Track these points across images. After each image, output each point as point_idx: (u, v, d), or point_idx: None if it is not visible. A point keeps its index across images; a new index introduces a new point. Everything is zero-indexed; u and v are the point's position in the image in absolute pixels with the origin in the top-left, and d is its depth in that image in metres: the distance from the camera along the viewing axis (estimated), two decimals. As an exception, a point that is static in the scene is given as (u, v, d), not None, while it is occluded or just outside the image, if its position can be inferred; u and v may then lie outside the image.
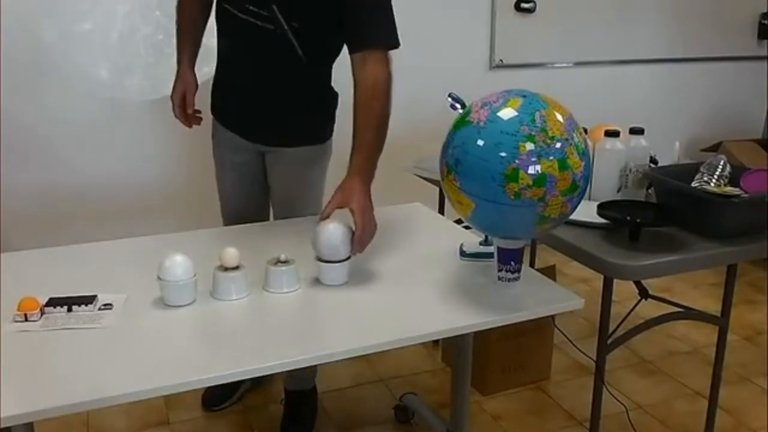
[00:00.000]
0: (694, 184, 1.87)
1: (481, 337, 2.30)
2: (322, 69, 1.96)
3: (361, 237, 1.54)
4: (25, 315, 1.35)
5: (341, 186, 1.62)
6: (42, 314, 1.37)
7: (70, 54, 2.74)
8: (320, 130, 2.05)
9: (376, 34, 1.79)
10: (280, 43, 1.83)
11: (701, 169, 1.93)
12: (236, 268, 1.46)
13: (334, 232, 1.50)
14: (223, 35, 2.00)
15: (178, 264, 1.41)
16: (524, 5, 3.40)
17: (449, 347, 2.44)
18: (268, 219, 2.17)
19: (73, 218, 2.87)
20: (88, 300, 1.42)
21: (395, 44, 1.83)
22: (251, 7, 1.81)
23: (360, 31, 1.78)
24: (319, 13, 1.80)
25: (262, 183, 2.12)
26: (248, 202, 2.15)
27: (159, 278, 1.41)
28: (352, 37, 1.79)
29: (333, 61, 1.96)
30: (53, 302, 1.40)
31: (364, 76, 1.75)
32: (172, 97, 2.08)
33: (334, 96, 2.03)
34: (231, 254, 1.46)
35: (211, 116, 2.18)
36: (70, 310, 1.39)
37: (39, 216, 2.83)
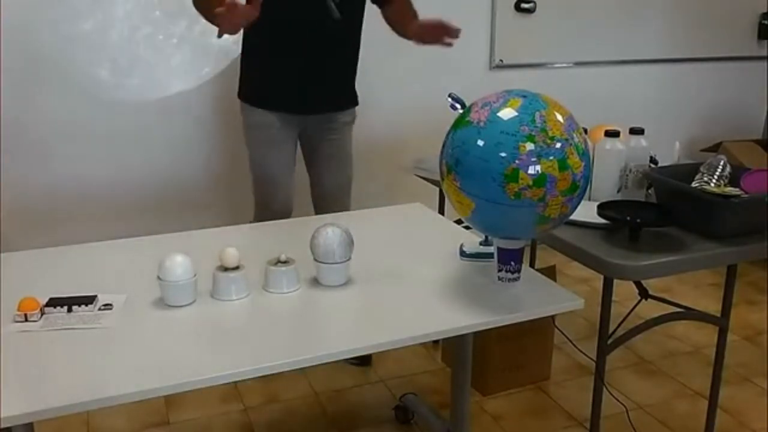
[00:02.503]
0: (694, 184, 1.87)
1: (481, 337, 2.30)
2: (358, 35, 2.33)
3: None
4: (26, 315, 1.35)
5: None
6: (42, 314, 1.37)
7: (70, 54, 2.74)
8: (352, 95, 2.44)
9: None
10: (328, 15, 2.13)
11: (701, 169, 1.93)
12: (236, 268, 1.47)
13: (331, 235, 1.50)
14: (274, 23, 2.14)
15: (178, 264, 1.41)
16: (524, 5, 3.40)
17: (449, 347, 2.44)
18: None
19: (74, 218, 2.87)
20: (88, 300, 1.42)
21: None
22: None
23: None
24: None
25: (294, 167, 2.42)
26: (292, 185, 2.42)
27: (159, 278, 1.41)
28: None
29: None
30: (53, 302, 1.40)
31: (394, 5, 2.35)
32: None
33: (357, 56, 2.39)
34: (231, 254, 1.46)
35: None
36: (70, 310, 1.39)
37: (39, 216, 2.83)
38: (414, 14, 2.35)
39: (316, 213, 2.47)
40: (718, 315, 2.08)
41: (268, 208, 2.40)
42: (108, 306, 1.42)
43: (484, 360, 2.41)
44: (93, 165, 2.89)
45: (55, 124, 2.81)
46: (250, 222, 2.40)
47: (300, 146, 2.45)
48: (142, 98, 2.85)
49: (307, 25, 2.19)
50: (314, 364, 1.28)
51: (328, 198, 2.47)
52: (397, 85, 3.26)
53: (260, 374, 1.24)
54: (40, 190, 2.84)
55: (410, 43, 3.23)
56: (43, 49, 2.72)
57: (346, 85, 2.39)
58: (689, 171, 1.94)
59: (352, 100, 2.44)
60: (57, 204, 2.86)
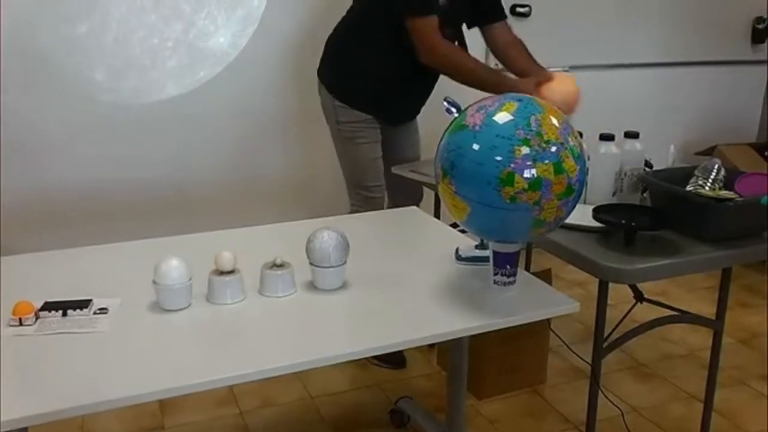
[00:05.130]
0: (688, 187, 1.88)
1: (477, 340, 2.30)
2: None
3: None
4: (20, 319, 1.35)
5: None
6: (37, 318, 1.37)
7: (66, 57, 2.74)
8: None
9: (499, 9, 2.54)
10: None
11: (696, 172, 1.93)
12: (232, 271, 1.46)
13: (326, 238, 1.50)
14: (404, 53, 2.33)
15: (174, 268, 1.40)
16: (519, 9, 3.41)
17: (445, 351, 2.44)
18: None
19: (68, 221, 2.86)
20: (83, 304, 1.41)
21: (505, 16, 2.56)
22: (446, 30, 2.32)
23: (489, 11, 2.52)
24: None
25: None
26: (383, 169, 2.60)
27: (154, 282, 1.41)
28: (487, 12, 2.52)
29: None
30: (48, 306, 1.40)
31: (510, 37, 2.54)
32: None
33: None
34: (226, 258, 1.45)
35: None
36: (65, 314, 1.38)
37: (34, 219, 2.83)
38: (532, 60, 2.46)
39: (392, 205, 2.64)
40: (713, 318, 2.08)
41: (367, 197, 2.56)
42: (103, 310, 1.42)
43: (480, 363, 2.41)
44: (88, 168, 2.88)
45: (50, 127, 2.80)
46: (349, 212, 2.58)
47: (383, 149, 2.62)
48: (138, 101, 2.85)
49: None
50: (310, 368, 1.28)
51: (408, 197, 2.61)
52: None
53: (255, 379, 1.24)
54: (36, 192, 2.83)
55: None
56: (39, 52, 2.72)
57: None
58: (684, 174, 1.95)
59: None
60: (52, 207, 2.85)
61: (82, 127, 2.84)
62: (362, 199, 2.55)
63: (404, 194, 2.60)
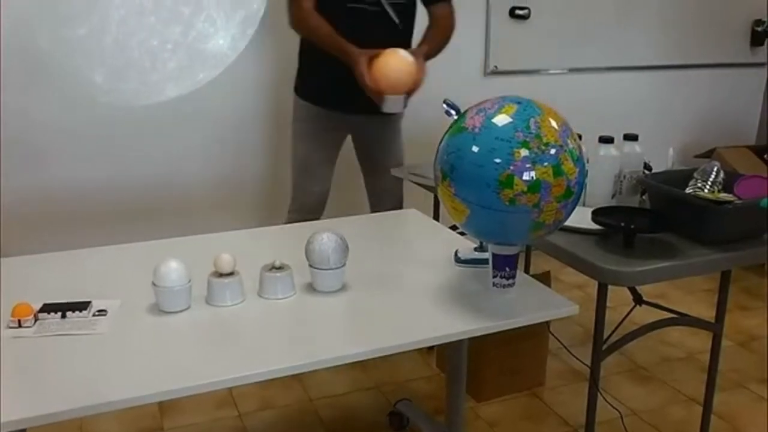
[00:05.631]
0: (688, 190, 1.88)
1: (476, 343, 2.30)
2: (409, 35, 2.44)
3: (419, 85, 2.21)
4: (19, 321, 1.35)
5: (414, 50, 2.28)
6: (36, 320, 1.37)
7: (66, 58, 2.73)
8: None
9: None
10: (383, 20, 2.32)
11: (695, 175, 1.94)
12: (231, 274, 1.46)
13: (326, 241, 1.50)
14: (333, 24, 2.29)
15: (173, 270, 1.40)
16: (519, 12, 3.41)
17: (444, 353, 2.44)
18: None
19: (68, 223, 2.86)
20: (82, 306, 1.41)
21: None
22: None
23: None
24: None
25: (334, 164, 2.58)
26: (328, 180, 2.56)
27: (154, 284, 1.41)
28: None
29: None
30: (47, 308, 1.40)
31: (441, 16, 2.45)
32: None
33: None
34: (226, 260, 1.45)
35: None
36: (64, 316, 1.38)
37: (34, 221, 2.82)
38: (437, 42, 2.42)
39: (371, 210, 2.62)
40: (713, 321, 2.08)
41: (301, 199, 2.56)
42: (102, 312, 1.42)
43: (479, 366, 2.41)
44: (88, 169, 2.88)
45: (50, 129, 2.80)
46: (288, 212, 2.59)
47: (353, 146, 2.60)
48: (138, 103, 2.83)
49: (363, 28, 2.29)
50: (309, 370, 1.28)
51: (384, 198, 2.59)
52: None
53: (255, 381, 1.24)
54: (35, 194, 2.83)
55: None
56: (38, 53, 2.71)
57: None
58: (683, 177, 1.95)
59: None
60: (52, 208, 2.85)
61: (81, 128, 2.84)
62: (298, 203, 2.57)
63: (385, 203, 2.59)
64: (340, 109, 2.43)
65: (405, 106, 2.28)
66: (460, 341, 1.89)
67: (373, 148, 2.60)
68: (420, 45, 2.36)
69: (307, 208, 2.53)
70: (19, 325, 1.35)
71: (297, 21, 2.34)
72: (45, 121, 2.78)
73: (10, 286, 1.53)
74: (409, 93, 2.21)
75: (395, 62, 2.15)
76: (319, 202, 2.56)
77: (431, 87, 3.20)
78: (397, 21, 2.34)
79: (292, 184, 2.59)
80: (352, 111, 2.43)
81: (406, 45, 2.38)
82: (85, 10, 2.70)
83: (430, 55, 2.36)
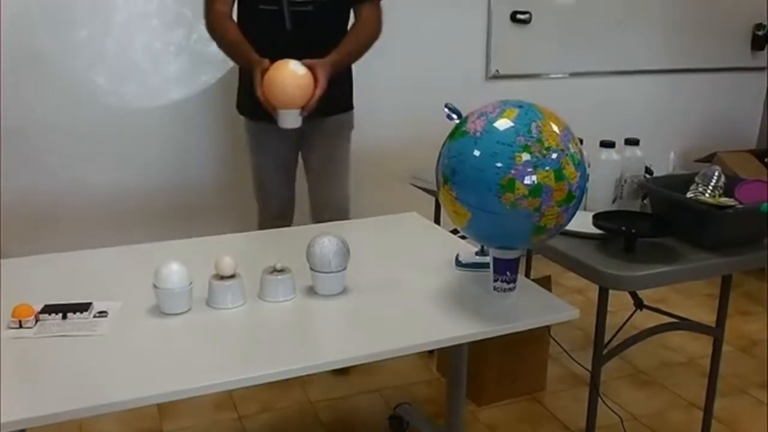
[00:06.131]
0: (689, 194, 1.88)
1: (477, 347, 2.29)
2: (332, 39, 2.21)
3: (314, 101, 1.98)
4: (20, 322, 1.35)
5: (317, 61, 2.02)
6: (37, 321, 1.37)
7: (69, 60, 2.75)
8: (346, 98, 2.43)
9: None
10: (301, 20, 2.18)
11: (696, 179, 1.94)
12: (232, 276, 1.46)
13: (327, 244, 1.50)
14: (246, 28, 2.19)
15: (174, 272, 1.41)
16: (520, 16, 3.42)
17: (444, 357, 2.44)
18: (294, 207, 2.50)
19: (69, 224, 2.86)
20: (83, 307, 1.41)
21: None
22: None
23: None
24: None
25: (293, 170, 2.48)
26: (287, 188, 2.49)
27: (155, 286, 1.41)
28: None
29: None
30: (48, 309, 1.40)
31: (362, 18, 2.26)
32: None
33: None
34: (227, 263, 1.46)
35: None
36: (65, 317, 1.39)
37: (35, 222, 2.83)
38: (353, 47, 2.22)
39: (313, 221, 2.48)
40: (713, 325, 2.08)
41: (263, 213, 2.52)
42: (103, 313, 1.42)
43: (479, 370, 2.41)
44: (90, 171, 2.88)
45: (52, 130, 2.80)
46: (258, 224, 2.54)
47: (300, 154, 2.49)
48: (140, 106, 2.86)
49: (273, 33, 2.18)
50: (309, 373, 1.28)
51: (322, 209, 2.46)
52: (393, 95, 3.27)
53: (254, 383, 1.24)
54: (36, 195, 2.83)
55: (406, 53, 3.25)
56: (41, 55, 2.72)
57: (331, 90, 2.14)
58: (684, 181, 1.95)
59: (339, 106, 2.40)
60: (53, 210, 2.85)
61: (83, 130, 2.84)
62: (261, 213, 2.54)
63: (326, 214, 2.43)
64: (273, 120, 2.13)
65: (302, 121, 2.05)
66: (461, 345, 1.89)
67: (317, 159, 2.45)
68: (330, 53, 2.12)
69: (271, 218, 2.47)
70: (20, 326, 1.35)
71: (208, 25, 2.21)
72: (46, 122, 2.79)
73: (11, 287, 1.53)
74: (303, 108, 2.00)
75: (283, 75, 1.96)
76: (282, 210, 2.49)
77: (433, 90, 3.22)
78: (289, 26, 2.19)
79: (254, 195, 2.55)
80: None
81: (327, 49, 2.14)
82: (88, 12, 2.72)
83: (343, 62, 2.18)
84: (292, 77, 1.96)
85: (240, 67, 2.31)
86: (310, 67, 1.99)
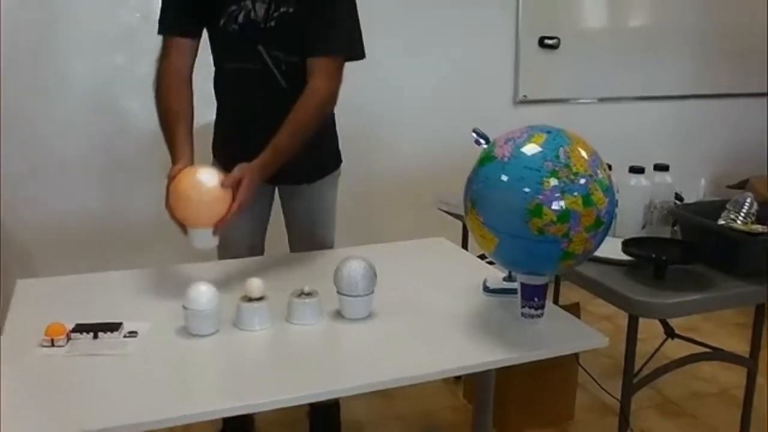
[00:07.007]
0: (720, 221, 1.86)
1: (503, 373, 2.27)
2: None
3: (227, 218, 1.59)
4: (52, 340, 1.37)
5: (243, 167, 1.65)
6: (68, 340, 1.39)
7: (104, 86, 2.82)
8: (331, 160, 2.15)
9: (323, 42, 1.82)
10: (274, 84, 1.89)
11: (728, 206, 1.91)
12: (260, 298, 1.47)
13: (354, 267, 1.50)
14: (218, 86, 2.02)
15: (203, 293, 1.42)
16: (548, 41, 3.43)
17: (471, 383, 2.42)
18: (262, 250, 2.18)
19: (101, 246, 2.90)
20: (114, 327, 1.43)
21: (346, 53, 1.86)
22: (238, 53, 1.88)
23: (311, 39, 1.82)
24: (301, 48, 1.83)
25: (266, 216, 2.16)
26: (252, 238, 2.13)
27: (184, 307, 1.42)
28: (306, 43, 1.82)
29: None
30: (79, 328, 1.42)
31: (312, 84, 1.81)
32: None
33: (333, 122, 2.09)
34: (256, 285, 1.47)
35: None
36: (95, 336, 1.40)
37: (67, 243, 2.88)
38: (283, 148, 1.75)
39: None
40: (746, 356, 2.04)
41: (226, 247, 2.00)
42: (133, 333, 1.43)
43: (506, 397, 2.38)
44: (124, 195, 2.93)
45: (86, 153, 2.86)
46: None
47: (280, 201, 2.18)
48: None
49: (254, 91, 1.93)
50: (333, 397, 1.28)
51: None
52: (420, 119, 3.29)
53: (281, 406, 1.24)
54: (71, 217, 2.88)
55: (435, 78, 3.27)
56: (76, 82, 2.79)
57: (313, 156, 1.89)
58: (715, 208, 1.93)
59: (322, 172, 2.11)
60: (87, 231, 2.90)
61: (118, 154, 2.89)
62: (223, 250, 2.05)
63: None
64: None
65: (215, 241, 1.64)
66: (488, 371, 1.87)
67: (299, 212, 2.14)
68: (263, 152, 1.72)
69: (232, 255, 2.00)
70: (53, 344, 1.37)
71: (155, 87, 1.86)
72: (82, 144, 2.85)
73: (45, 306, 1.56)
74: (216, 226, 1.61)
75: (186, 187, 1.60)
76: (247, 249, 2.09)
77: (461, 115, 3.23)
78: (284, 84, 1.88)
79: None
80: (269, 181, 1.87)
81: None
82: (121, 39, 2.79)
83: (277, 159, 1.74)
84: (196, 190, 1.58)
85: (218, 110, 2.07)
86: (231, 175, 1.62)
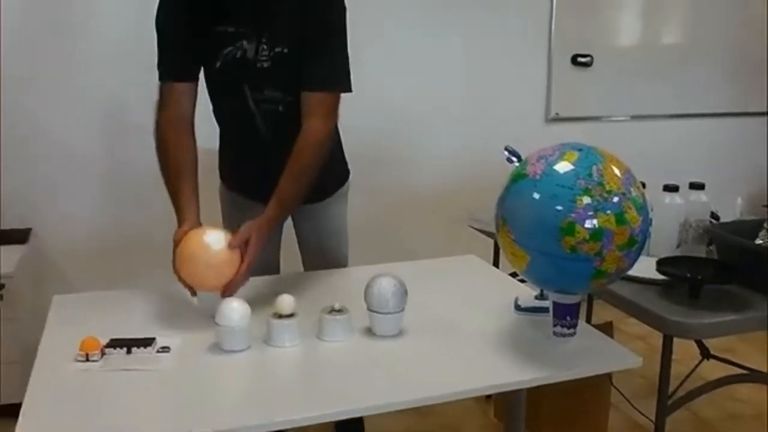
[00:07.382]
0: (758, 241, 1.82)
1: (535, 393, 2.25)
2: None
3: (236, 280, 1.55)
4: (87, 355, 1.39)
5: (250, 225, 1.62)
6: (103, 355, 1.41)
7: (136, 103, 2.87)
8: (337, 178, 2.12)
9: (321, 78, 1.77)
10: (255, 125, 1.87)
11: (765, 225, 1.88)
12: (291, 315, 1.48)
13: (385, 285, 1.50)
14: (216, 116, 1.98)
15: (235, 309, 1.43)
16: (581, 59, 3.42)
17: (502, 402, 2.39)
18: (278, 269, 2.16)
19: (137, 261, 2.94)
20: (147, 342, 1.45)
21: (338, 87, 1.80)
22: (228, 91, 1.85)
23: (309, 76, 1.77)
24: (296, 85, 1.79)
25: (278, 236, 2.12)
26: (266, 256, 1.93)
27: (216, 323, 1.44)
28: (303, 80, 1.78)
29: None
30: (114, 343, 1.44)
31: (308, 124, 1.76)
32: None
33: (338, 141, 2.04)
34: (287, 301, 1.47)
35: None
36: (129, 351, 1.42)
37: (101, 259, 2.92)
38: (289, 197, 1.73)
39: None
40: (785, 378, 1.99)
41: None
42: (165, 348, 1.45)
43: (537, 417, 2.35)
44: (160, 214, 2.97)
45: (124, 171, 2.91)
46: None
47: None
48: (203, 146, 2.95)
49: (240, 129, 1.92)
50: (363, 415, 1.28)
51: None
52: (452, 137, 3.29)
53: (312, 422, 1.24)
54: (103, 233, 2.93)
55: (467, 96, 3.27)
56: (116, 101, 2.85)
57: (320, 178, 1.81)
58: (752, 227, 1.89)
59: (332, 188, 2.10)
60: (118, 248, 2.95)
61: (150, 169, 2.94)
62: None
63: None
64: (261, 200, 1.76)
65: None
66: (519, 391, 1.85)
67: (309, 232, 2.13)
68: (270, 202, 1.69)
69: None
70: (87, 359, 1.39)
71: (156, 137, 1.82)
72: (116, 159, 2.90)
73: (80, 321, 1.58)
74: (224, 290, 1.56)
75: (192, 250, 1.55)
76: (263, 268, 1.88)
77: (492, 132, 3.22)
78: (264, 131, 1.87)
79: None
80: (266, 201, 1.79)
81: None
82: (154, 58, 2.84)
83: (284, 212, 1.75)
84: (203, 253, 1.54)
85: (221, 135, 2.03)
86: (238, 235, 1.58)
